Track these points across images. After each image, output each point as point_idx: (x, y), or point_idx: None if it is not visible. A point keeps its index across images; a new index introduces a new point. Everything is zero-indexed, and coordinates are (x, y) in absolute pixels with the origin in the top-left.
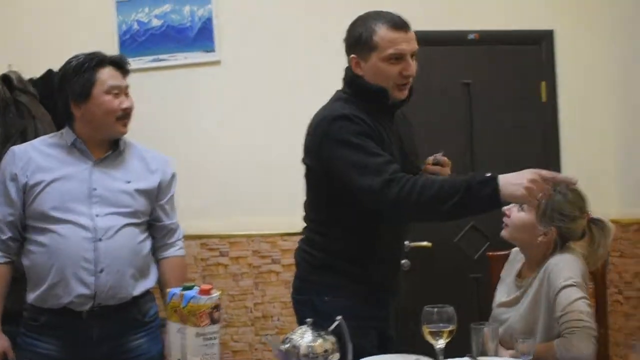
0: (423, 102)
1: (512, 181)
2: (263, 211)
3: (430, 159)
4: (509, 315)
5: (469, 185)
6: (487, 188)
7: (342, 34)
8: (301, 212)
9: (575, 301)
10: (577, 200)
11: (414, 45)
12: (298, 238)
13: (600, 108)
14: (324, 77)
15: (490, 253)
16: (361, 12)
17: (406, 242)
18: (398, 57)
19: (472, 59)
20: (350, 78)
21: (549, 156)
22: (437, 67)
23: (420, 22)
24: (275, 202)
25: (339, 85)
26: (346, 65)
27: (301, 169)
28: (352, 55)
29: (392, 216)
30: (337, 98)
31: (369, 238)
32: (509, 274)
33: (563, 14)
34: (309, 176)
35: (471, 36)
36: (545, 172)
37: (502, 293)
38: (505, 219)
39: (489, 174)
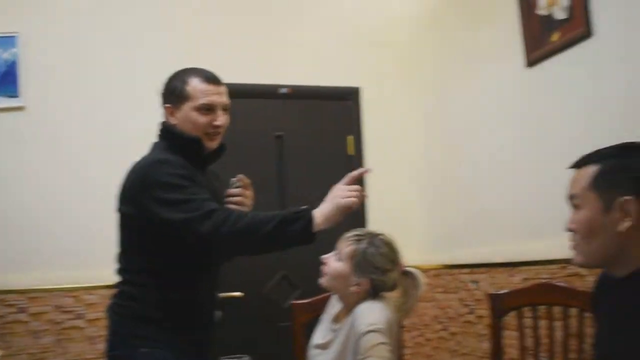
0: (235, 153)
1: (327, 209)
2: (66, 264)
3: (232, 189)
4: (322, 357)
5: (284, 216)
6: (301, 220)
7: (152, 84)
8: (106, 265)
9: (376, 346)
10: (390, 253)
11: (225, 99)
12: (104, 291)
13: (403, 162)
14: (135, 125)
15: (294, 302)
16: (174, 65)
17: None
18: (208, 108)
19: (284, 112)
20: (166, 128)
21: (358, 207)
22: (250, 119)
23: (233, 75)
24: (79, 254)
25: (149, 134)
26: (161, 119)
27: (106, 221)
28: (167, 105)
29: (207, 249)
30: (154, 148)
31: (183, 288)
32: (327, 317)
33: (368, 73)
34: (124, 225)
35: (283, 90)
36: (345, 179)
37: (319, 335)
38: (323, 268)
39: (304, 207)
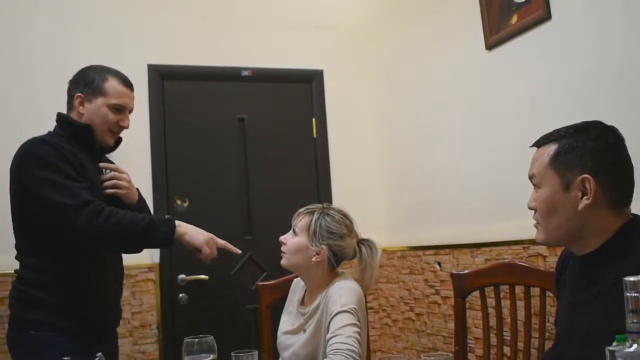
0: (198, 136)
1: (193, 229)
2: None
3: (104, 177)
4: (293, 341)
5: (152, 220)
6: (166, 227)
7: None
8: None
9: (346, 326)
10: (344, 219)
11: (133, 104)
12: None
13: (365, 144)
14: None
15: (259, 283)
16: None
17: (182, 277)
18: (119, 109)
19: (247, 95)
20: (61, 117)
21: (322, 190)
22: (212, 102)
23: (195, 57)
24: None
25: None
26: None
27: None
28: (78, 94)
29: (76, 240)
30: (46, 134)
31: (71, 270)
32: (291, 302)
33: (332, 56)
34: (15, 207)
35: (245, 73)
36: (218, 240)
37: (287, 322)
38: (282, 248)
39: (168, 216)
